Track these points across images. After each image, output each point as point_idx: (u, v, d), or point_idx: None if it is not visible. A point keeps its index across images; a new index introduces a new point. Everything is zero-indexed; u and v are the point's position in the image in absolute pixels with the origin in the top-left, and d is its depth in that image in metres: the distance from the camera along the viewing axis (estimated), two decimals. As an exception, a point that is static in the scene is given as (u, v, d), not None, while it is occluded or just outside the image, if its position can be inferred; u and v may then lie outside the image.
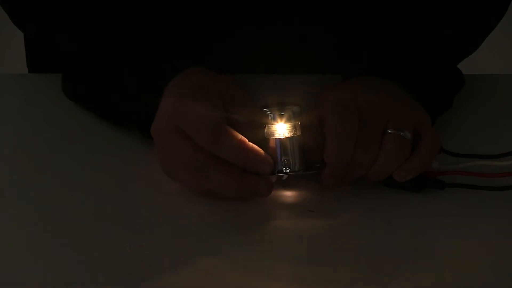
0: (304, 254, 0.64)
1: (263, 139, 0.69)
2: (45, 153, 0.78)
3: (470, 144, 0.80)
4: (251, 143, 0.68)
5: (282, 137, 0.69)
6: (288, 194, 0.71)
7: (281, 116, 0.69)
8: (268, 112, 0.69)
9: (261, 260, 0.63)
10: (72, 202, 0.70)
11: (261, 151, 0.69)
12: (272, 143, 0.69)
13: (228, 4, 0.91)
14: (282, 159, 0.69)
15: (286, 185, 0.72)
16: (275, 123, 0.69)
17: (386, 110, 0.71)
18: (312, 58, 0.95)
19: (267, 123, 0.69)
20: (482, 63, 1.02)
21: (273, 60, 0.93)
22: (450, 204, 0.71)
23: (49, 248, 0.64)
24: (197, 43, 0.92)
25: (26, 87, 0.95)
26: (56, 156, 0.77)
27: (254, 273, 0.61)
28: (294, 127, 0.69)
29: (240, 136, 0.68)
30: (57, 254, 0.63)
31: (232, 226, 0.67)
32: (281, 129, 0.69)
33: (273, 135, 0.69)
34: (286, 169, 0.69)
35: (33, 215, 0.68)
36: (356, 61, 0.84)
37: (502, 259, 0.64)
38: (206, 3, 0.91)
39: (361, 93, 0.72)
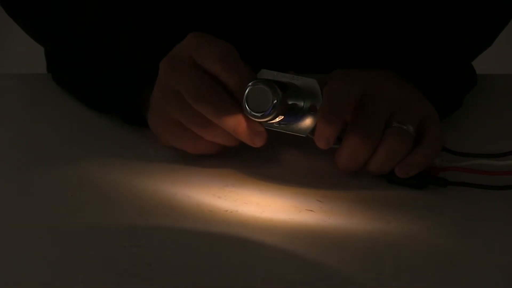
0: (303, 254, 0.64)
1: None
2: (45, 153, 0.78)
3: (470, 143, 0.80)
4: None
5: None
6: (288, 194, 0.71)
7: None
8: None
9: (260, 260, 0.63)
10: (72, 202, 0.70)
11: None
12: None
13: (228, 5, 0.91)
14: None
15: (286, 184, 0.72)
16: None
17: (393, 101, 0.72)
18: (314, 58, 0.95)
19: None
20: (483, 63, 1.02)
21: (275, 60, 0.93)
22: (451, 203, 0.71)
23: (49, 248, 0.64)
24: None
25: (26, 87, 0.95)
26: (56, 156, 0.77)
27: (253, 273, 0.61)
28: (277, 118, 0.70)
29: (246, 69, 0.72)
30: (57, 254, 0.63)
31: (232, 226, 0.67)
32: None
33: None
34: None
35: (33, 215, 0.68)
36: (367, 56, 0.84)
37: (503, 259, 0.64)
38: (207, 4, 0.91)
39: (370, 80, 0.73)
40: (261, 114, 0.69)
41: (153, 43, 0.81)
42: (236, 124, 0.71)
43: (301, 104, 0.71)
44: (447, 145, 0.73)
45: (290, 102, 0.70)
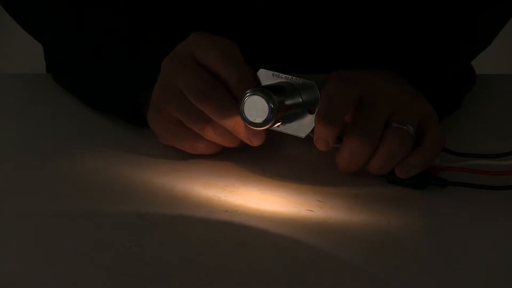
0: (303, 255, 0.64)
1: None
2: (45, 153, 0.78)
3: (470, 143, 0.80)
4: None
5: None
6: (288, 194, 0.71)
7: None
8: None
9: (260, 260, 0.63)
10: (72, 202, 0.70)
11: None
12: None
13: (230, 6, 0.91)
14: None
15: (286, 184, 0.72)
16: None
17: (393, 101, 0.72)
18: (314, 58, 0.95)
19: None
20: (483, 63, 1.02)
21: (275, 60, 0.93)
22: (451, 203, 0.71)
23: (49, 248, 0.64)
24: None
25: (26, 87, 0.95)
26: (56, 156, 0.77)
27: (254, 273, 0.61)
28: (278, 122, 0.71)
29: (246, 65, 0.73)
30: (57, 254, 0.63)
31: (232, 226, 0.67)
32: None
33: None
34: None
35: (33, 215, 0.68)
36: (366, 57, 0.84)
37: (503, 259, 0.64)
38: (208, 5, 0.91)
39: (370, 80, 0.73)
40: (258, 123, 0.69)
41: (155, 42, 0.81)
42: (235, 122, 0.71)
43: (300, 105, 0.71)
44: (447, 145, 0.73)
45: (288, 104, 0.70)
